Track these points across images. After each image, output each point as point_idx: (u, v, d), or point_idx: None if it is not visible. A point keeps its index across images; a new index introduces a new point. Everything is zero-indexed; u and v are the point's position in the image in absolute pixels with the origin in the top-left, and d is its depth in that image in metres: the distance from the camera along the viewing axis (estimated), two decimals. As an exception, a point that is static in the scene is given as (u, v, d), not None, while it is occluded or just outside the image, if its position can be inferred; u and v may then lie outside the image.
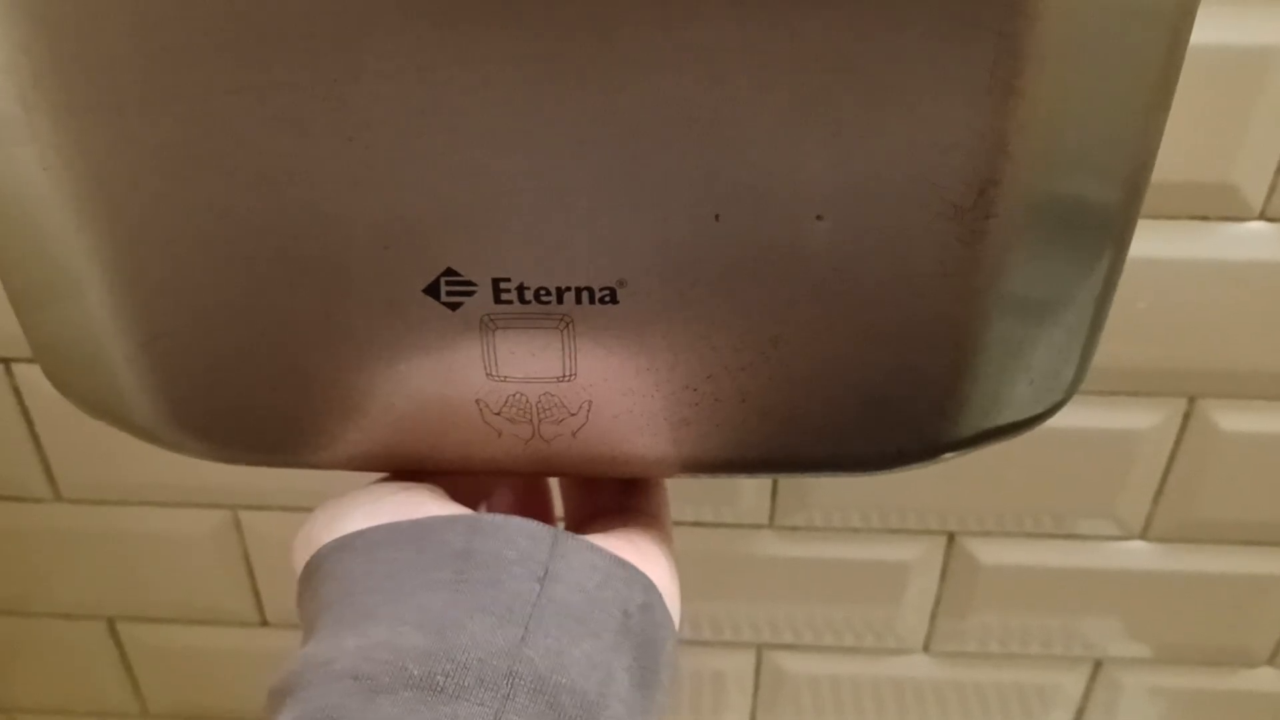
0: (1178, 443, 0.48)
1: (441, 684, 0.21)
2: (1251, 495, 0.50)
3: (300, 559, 0.27)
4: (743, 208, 0.22)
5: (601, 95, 0.21)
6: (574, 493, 0.34)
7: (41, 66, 0.21)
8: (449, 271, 0.23)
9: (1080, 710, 0.59)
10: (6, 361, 0.50)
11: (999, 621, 0.55)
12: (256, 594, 0.57)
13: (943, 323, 0.24)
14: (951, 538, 0.53)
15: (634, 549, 0.27)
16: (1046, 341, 0.25)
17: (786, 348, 0.24)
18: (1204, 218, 0.43)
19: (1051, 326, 0.25)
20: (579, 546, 0.24)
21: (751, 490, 0.52)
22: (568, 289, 0.23)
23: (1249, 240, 0.43)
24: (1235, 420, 0.47)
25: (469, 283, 0.23)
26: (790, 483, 0.51)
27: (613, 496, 0.31)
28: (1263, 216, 0.42)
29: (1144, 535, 0.52)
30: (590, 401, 0.25)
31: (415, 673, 0.21)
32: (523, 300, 0.23)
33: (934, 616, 0.55)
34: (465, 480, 0.34)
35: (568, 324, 0.24)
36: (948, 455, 0.26)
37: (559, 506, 0.36)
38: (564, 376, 0.25)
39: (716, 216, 0.22)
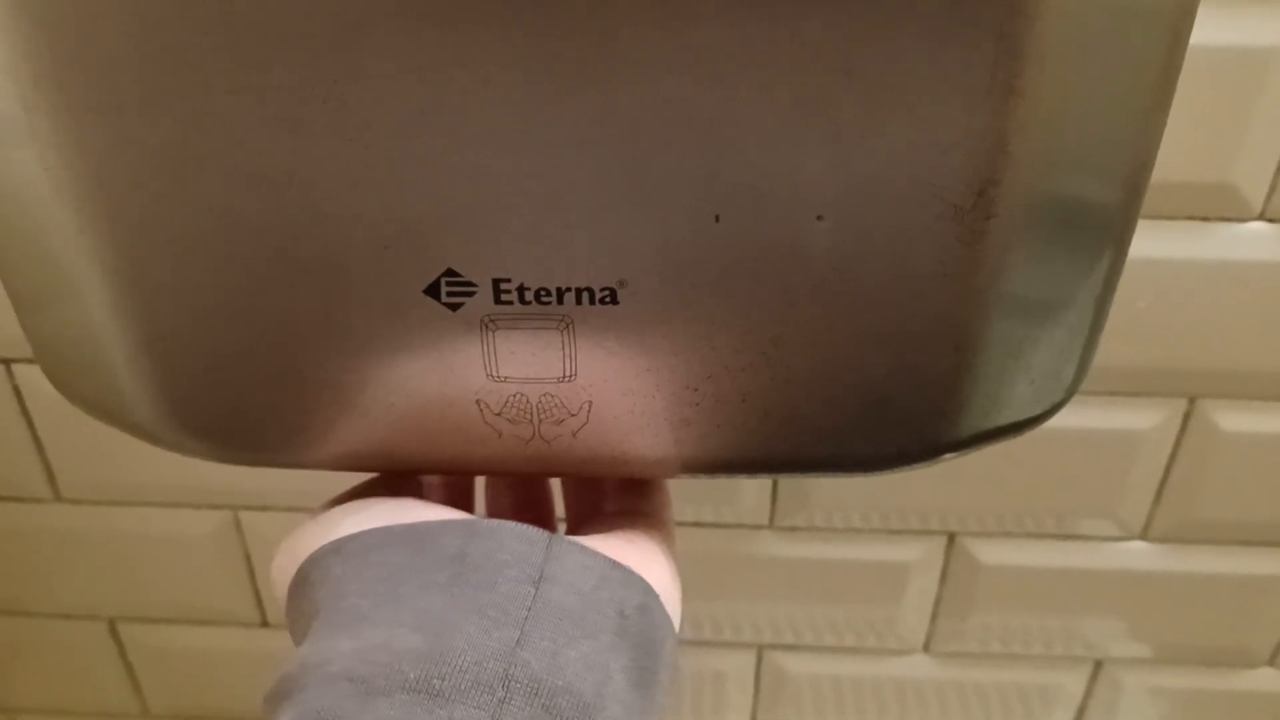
0: (1178, 443, 0.48)
1: (438, 687, 0.21)
2: (1252, 495, 0.50)
3: (285, 569, 0.26)
4: (743, 208, 0.22)
5: (601, 95, 0.21)
6: (575, 494, 0.34)
7: (42, 67, 0.21)
8: (449, 272, 0.23)
9: (1081, 710, 0.59)
10: (7, 362, 0.50)
11: (999, 622, 0.55)
12: (257, 594, 0.57)
13: (943, 323, 0.24)
14: (952, 538, 0.53)
15: (635, 549, 0.27)
16: (1047, 342, 0.25)
17: (787, 348, 0.24)
18: (1204, 218, 0.43)
19: (1052, 327, 0.25)
20: (573, 549, 0.24)
21: (752, 490, 0.52)
22: (568, 289, 0.23)
23: (1249, 240, 0.43)
24: (1235, 420, 0.47)
25: (469, 283, 0.23)
26: (791, 483, 0.51)
27: (614, 497, 0.31)
28: (1263, 217, 0.42)
29: (1144, 535, 0.52)
30: (591, 402, 0.25)
31: (411, 676, 0.21)
32: (523, 301, 0.23)
33: (934, 617, 0.55)
34: (459, 482, 0.34)
35: (568, 324, 0.24)
36: (948, 455, 0.26)
37: (560, 508, 0.36)
38: (564, 377, 0.25)
39: (717, 217, 0.22)
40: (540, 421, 0.25)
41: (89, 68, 0.21)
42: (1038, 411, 0.26)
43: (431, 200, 0.22)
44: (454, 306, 0.24)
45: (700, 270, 0.23)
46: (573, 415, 0.25)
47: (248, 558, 0.56)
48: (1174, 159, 0.41)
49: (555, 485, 0.36)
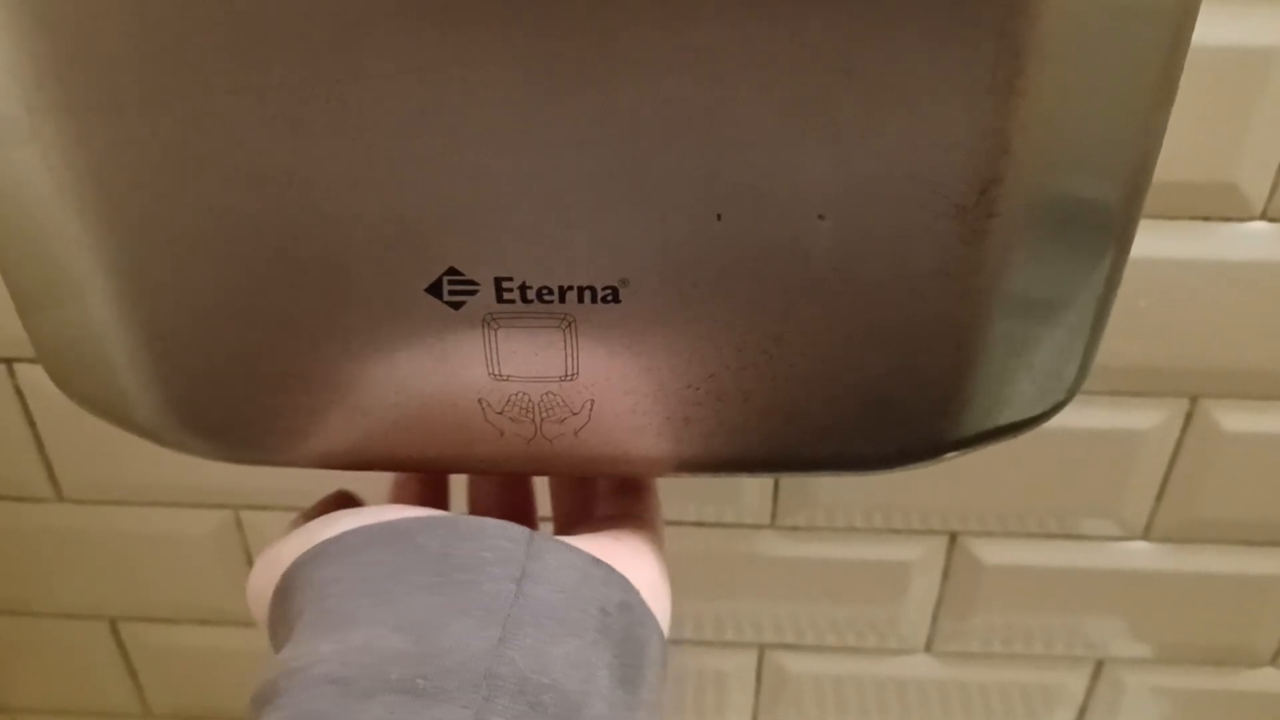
0: (1180, 442, 0.48)
1: (422, 687, 0.21)
2: (1253, 495, 0.50)
3: (263, 586, 0.26)
4: (744, 207, 0.22)
5: (602, 95, 0.21)
6: (565, 496, 0.34)
7: (45, 67, 0.21)
8: (451, 270, 0.23)
9: (1082, 710, 0.59)
10: (9, 362, 0.50)
11: (1001, 621, 0.55)
12: (258, 594, 0.57)
13: (945, 322, 0.24)
14: (953, 537, 0.53)
15: (622, 547, 0.27)
16: (1049, 341, 0.25)
17: (789, 347, 0.24)
18: (1205, 218, 0.43)
19: (1053, 326, 0.25)
20: (555, 547, 0.24)
21: (753, 490, 0.52)
22: (570, 288, 0.23)
23: (1250, 240, 0.43)
24: (1237, 420, 0.47)
25: (471, 282, 0.23)
26: (792, 482, 0.51)
27: (604, 501, 0.31)
28: (1264, 216, 0.42)
29: (1146, 535, 0.52)
30: (592, 400, 0.25)
31: (395, 676, 0.21)
32: (525, 299, 0.23)
33: (936, 616, 0.55)
34: (435, 479, 0.34)
35: (570, 323, 0.24)
36: (950, 454, 0.26)
37: (546, 509, 0.36)
38: (566, 376, 0.25)
39: (718, 216, 0.22)
40: (542, 420, 0.26)
41: (90, 68, 0.21)
42: (1039, 411, 0.26)
43: (432, 199, 0.22)
44: (456, 305, 0.24)
45: (702, 269, 0.23)
46: (574, 414, 0.25)
47: (249, 557, 0.56)
48: (1176, 158, 0.40)
49: (540, 486, 0.36)
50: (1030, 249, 0.23)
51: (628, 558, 0.26)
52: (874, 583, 0.54)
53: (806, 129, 0.21)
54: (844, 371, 0.24)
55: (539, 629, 0.23)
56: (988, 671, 0.57)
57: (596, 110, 0.21)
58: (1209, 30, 0.38)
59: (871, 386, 0.25)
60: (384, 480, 0.34)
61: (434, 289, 0.23)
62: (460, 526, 0.24)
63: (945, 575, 0.54)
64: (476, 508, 0.35)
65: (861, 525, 0.52)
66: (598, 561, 0.25)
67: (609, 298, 0.23)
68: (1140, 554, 0.52)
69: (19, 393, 0.51)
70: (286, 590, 0.25)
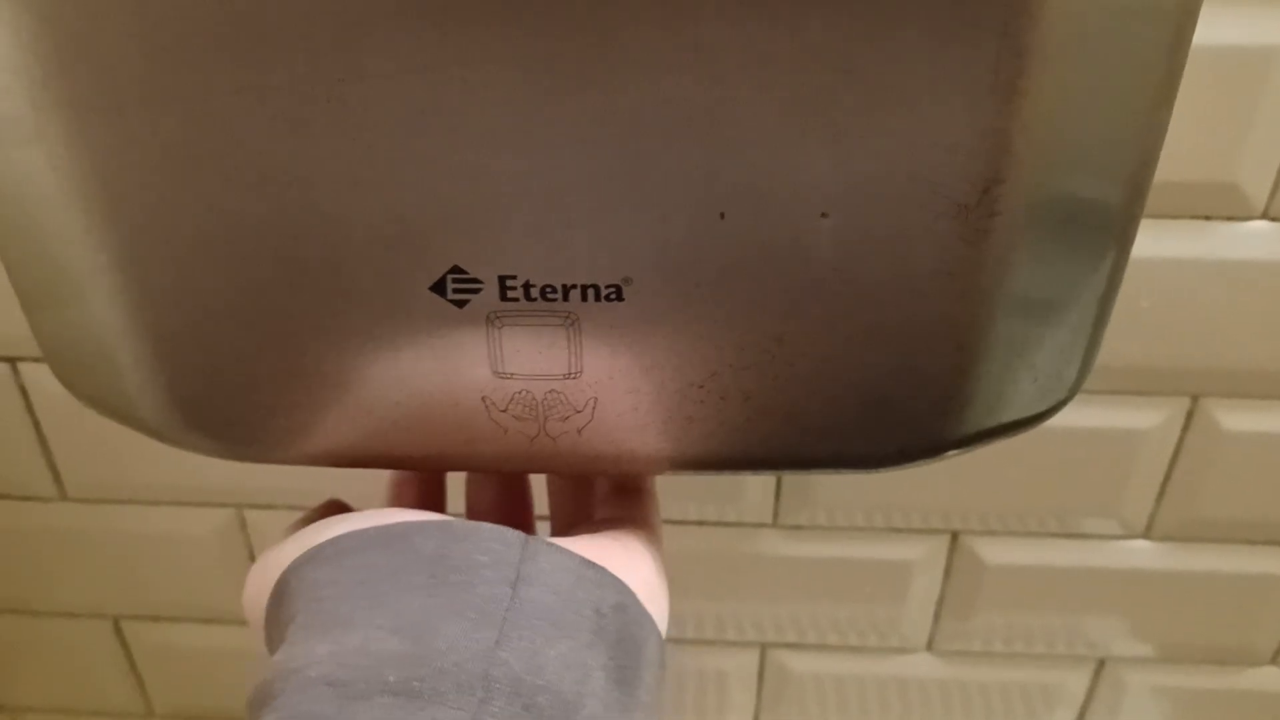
0: (1181, 442, 0.48)
1: (418, 689, 0.21)
2: (1254, 494, 0.50)
3: (258, 592, 0.26)
4: (747, 206, 0.22)
5: (603, 95, 0.21)
6: (563, 498, 0.34)
7: (49, 67, 0.21)
8: (455, 269, 0.23)
9: (1084, 709, 0.59)
10: (13, 361, 0.50)
11: (1003, 620, 0.55)
12: (261, 593, 0.58)
13: (947, 321, 0.24)
14: (955, 537, 0.53)
15: (620, 548, 0.27)
16: (1050, 340, 0.25)
17: (791, 346, 0.24)
18: (1207, 217, 0.43)
19: (1055, 325, 0.25)
20: (548, 549, 0.25)
21: (755, 489, 0.52)
22: (573, 286, 0.23)
23: (1251, 240, 0.43)
24: (1238, 419, 0.47)
25: (475, 280, 0.23)
26: (794, 481, 0.51)
27: (602, 502, 0.31)
28: (1265, 216, 0.42)
29: (1147, 534, 0.52)
30: (596, 399, 0.25)
31: (391, 678, 0.21)
32: (529, 298, 0.24)
33: (938, 616, 0.55)
34: (432, 480, 0.34)
35: (574, 321, 0.24)
36: (951, 453, 0.26)
37: (545, 510, 0.36)
38: (570, 374, 0.25)
39: (721, 215, 0.22)
40: (546, 418, 0.26)
41: (94, 68, 0.21)
42: (1041, 410, 0.27)
43: (434, 199, 0.22)
44: (460, 303, 0.24)
45: (704, 268, 0.23)
46: (578, 412, 0.25)
47: (252, 556, 0.56)
48: (1177, 158, 0.41)
49: (537, 487, 0.36)
50: (1032, 249, 0.23)
51: (624, 559, 0.26)
52: (876, 582, 0.54)
53: (807, 129, 0.21)
54: (845, 370, 0.24)
55: (533, 631, 0.23)
56: (989, 671, 0.57)
57: (598, 110, 0.21)
58: (1209, 30, 0.38)
59: (873, 385, 0.25)
60: (382, 481, 0.34)
61: (438, 287, 0.23)
62: (455, 529, 0.24)
63: (947, 574, 0.54)
64: (474, 509, 0.35)
65: (863, 524, 0.52)
66: (592, 564, 0.25)
67: (612, 296, 0.23)
68: (1141, 553, 0.52)
69: (23, 392, 0.51)
70: (282, 593, 0.25)
